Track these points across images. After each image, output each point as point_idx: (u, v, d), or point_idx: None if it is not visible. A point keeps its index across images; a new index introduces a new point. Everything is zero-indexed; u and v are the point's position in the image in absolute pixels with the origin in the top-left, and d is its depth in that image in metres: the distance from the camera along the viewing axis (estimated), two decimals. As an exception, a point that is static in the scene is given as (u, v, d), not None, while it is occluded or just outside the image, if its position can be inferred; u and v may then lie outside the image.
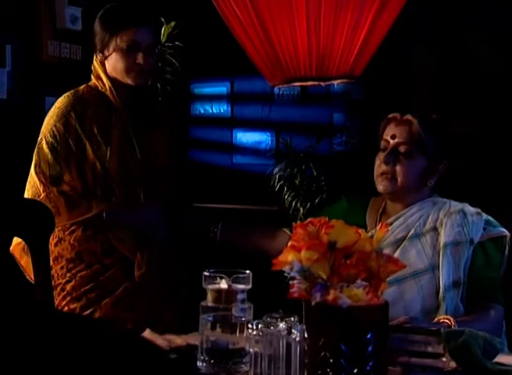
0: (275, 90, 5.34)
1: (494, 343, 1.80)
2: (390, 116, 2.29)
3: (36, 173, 2.57)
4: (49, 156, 2.55)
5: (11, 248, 2.60)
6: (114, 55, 2.56)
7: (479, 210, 2.25)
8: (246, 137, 5.61)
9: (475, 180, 4.23)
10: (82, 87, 2.66)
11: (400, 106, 4.48)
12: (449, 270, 2.15)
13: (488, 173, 4.39)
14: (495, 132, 4.47)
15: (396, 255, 2.19)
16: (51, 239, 2.62)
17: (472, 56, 4.53)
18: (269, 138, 5.50)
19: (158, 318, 2.60)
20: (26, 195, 2.61)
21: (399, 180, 2.24)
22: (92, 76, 2.66)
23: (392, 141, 2.25)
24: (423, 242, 2.20)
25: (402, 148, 2.23)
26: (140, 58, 2.53)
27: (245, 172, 5.48)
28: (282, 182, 4.72)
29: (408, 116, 2.25)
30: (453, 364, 1.76)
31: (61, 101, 2.61)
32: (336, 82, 1.60)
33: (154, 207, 2.61)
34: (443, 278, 2.14)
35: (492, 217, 2.26)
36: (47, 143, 2.56)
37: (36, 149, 2.61)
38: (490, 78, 4.47)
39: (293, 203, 4.61)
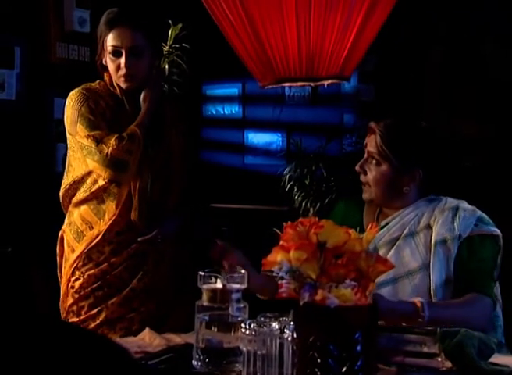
0: (286, 91, 5.35)
1: (489, 343, 1.80)
2: (369, 124, 2.29)
3: (80, 146, 2.55)
4: (93, 118, 2.55)
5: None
6: (107, 59, 2.59)
7: (475, 208, 2.24)
8: (257, 138, 5.63)
9: (482, 182, 4.22)
10: (96, 82, 2.67)
11: (409, 107, 4.51)
12: (441, 268, 2.14)
13: (495, 175, 4.36)
14: (506, 134, 4.45)
15: (390, 254, 2.19)
16: (70, 236, 2.66)
17: (483, 58, 4.51)
18: (280, 139, 5.51)
19: (165, 318, 2.62)
20: (82, 167, 2.59)
21: (371, 188, 2.25)
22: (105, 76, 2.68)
23: (366, 150, 2.27)
24: (417, 241, 2.20)
25: (372, 157, 2.24)
26: (121, 63, 2.54)
27: (256, 172, 5.50)
28: (292, 182, 4.72)
29: (372, 125, 2.25)
30: (448, 364, 1.77)
31: (75, 93, 2.62)
32: (325, 82, 1.61)
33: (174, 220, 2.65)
34: (434, 276, 2.14)
35: (492, 219, 2.24)
36: (84, 112, 2.55)
37: (71, 136, 2.60)
38: (500, 80, 4.45)
39: (303, 203, 4.61)
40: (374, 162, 2.23)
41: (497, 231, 2.21)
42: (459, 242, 2.17)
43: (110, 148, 2.49)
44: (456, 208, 2.21)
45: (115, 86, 2.63)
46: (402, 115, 2.38)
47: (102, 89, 2.64)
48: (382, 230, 2.25)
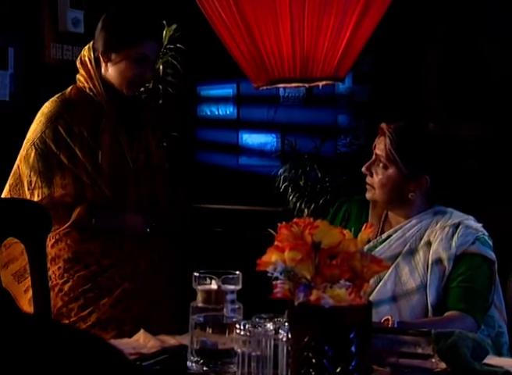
0: (281, 92, 5.36)
1: (483, 344, 1.80)
2: (380, 125, 2.25)
3: (27, 181, 2.56)
4: (39, 164, 2.53)
5: None
6: (123, 63, 2.55)
7: (479, 227, 2.19)
8: (251, 139, 5.62)
9: (480, 183, 4.22)
10: (69, 89, 2.63)
11: (404, 108, 4.51)
12: (437, 288, 2.13)
13: (493, 176, 4.36)
14: (504, 135, 4.44)
15: (389, 271, 2.17)
16: (47, 240, 2.63)
17: (482, 59, 4.51)
18: (274, 140, 5.50)
19: (157, 318, 2.61)
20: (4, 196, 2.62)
21: (376, 190, 2.23)
22: (79, 76, 2.65)
23: (374, 152, 2.25)
24: (416, 260, 2.17)
25: (380, 160, 2.21)
26: (145, 72, 2.58)
27: (250, 173, 5.50)
28: (286, 183, 4.72)
29: (383, 127, 2.21)
30: (442, 365, 1.77)
31: (48, 107, 2.59)
32: (320, 83, 1.61)
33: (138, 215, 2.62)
34: (431, 296, 2.12)
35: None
36: (36, 150, 2.53)
37: (23, 155, 2.58)
38: (500, 82, 4.45)
39: (298, 204, 4.61)
40: (381, 165, 2.20)
41: (492, 256, 2.16)
42: (453, 260, 2.13)
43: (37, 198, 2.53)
44: (458, 225, 2.17)
45: (100, 90, 2.59)
46: (413, 119, 2.32)
47: (76, 97, 2.61)
48: (383, 244, 2.23)
